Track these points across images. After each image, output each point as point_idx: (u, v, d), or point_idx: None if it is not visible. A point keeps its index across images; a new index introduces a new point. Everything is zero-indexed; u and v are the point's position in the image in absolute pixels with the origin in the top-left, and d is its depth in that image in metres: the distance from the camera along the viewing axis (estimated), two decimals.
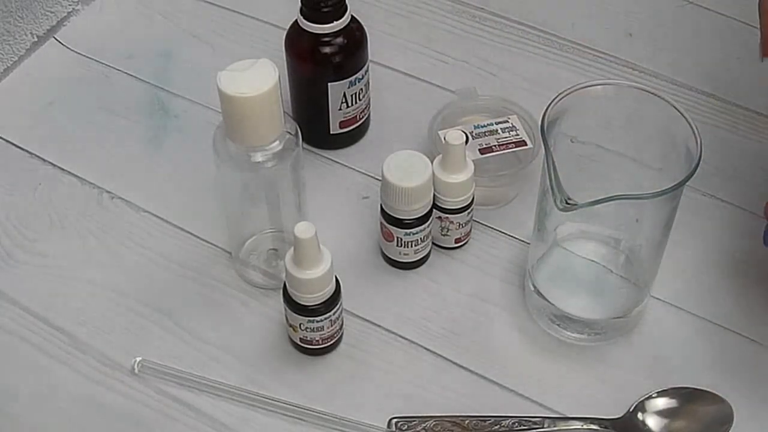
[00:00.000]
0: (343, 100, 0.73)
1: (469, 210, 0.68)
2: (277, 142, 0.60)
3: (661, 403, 0.62)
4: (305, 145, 0.72)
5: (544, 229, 0.63)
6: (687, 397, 0.62)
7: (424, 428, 0.61)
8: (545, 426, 0.61)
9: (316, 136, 0.76)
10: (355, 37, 0.72)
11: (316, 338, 0.63)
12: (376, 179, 0.72)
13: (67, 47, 0.86)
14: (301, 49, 0.72)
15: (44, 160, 0.77)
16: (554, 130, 0.59)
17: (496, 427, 0.60)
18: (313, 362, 0.65)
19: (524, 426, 0.61)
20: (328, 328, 0.63)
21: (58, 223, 0.73)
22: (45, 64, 0.85)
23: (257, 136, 0.59)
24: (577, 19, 0.88)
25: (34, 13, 0.83)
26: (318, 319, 0.62)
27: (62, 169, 0.76)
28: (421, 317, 0.67)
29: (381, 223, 0.68)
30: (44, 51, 0.85)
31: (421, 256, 0.69)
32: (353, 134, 0.77)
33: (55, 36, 0.86)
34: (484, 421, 0.61)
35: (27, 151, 0.77)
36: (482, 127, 0.73)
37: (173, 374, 0.64)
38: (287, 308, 0.62)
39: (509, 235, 0.72)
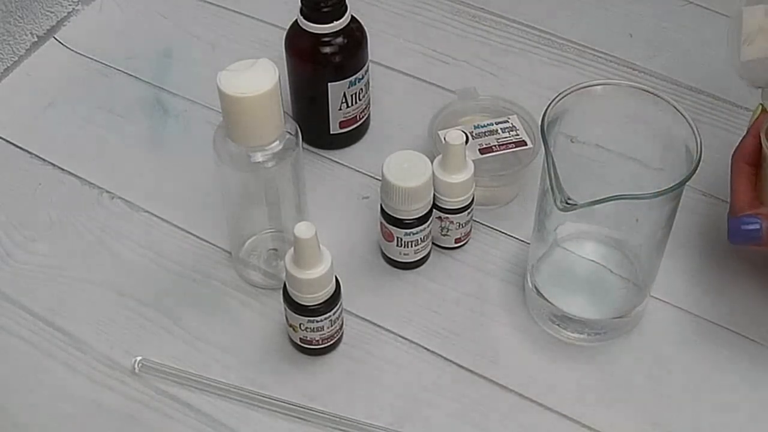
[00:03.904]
0: (343, 100, 0.73)
1: (469, 210, 0.68)
2: (277, 142, 0.60)
3: None
4: (305, 145, 0.72)
5: (544, 229, 0.63)
6: None
7: None
8: None
9: (316, 136, 0.76)
10: (355, 37, 0.72)
11: (316, 338, 0.63)
12: (376, 179, 0.72)
13: (67, 47, 0.86)
14: (301, 49, 0.72)
15: (44, 160, 0.77)
16: (554, 130, 0.59)
17: None
18: (313, 362, 0.65)
19: None
20: (328, 328, 0.63)
21: (58, 223, 0.73)
22: (45, 64, 0.85)
23: (257, 136, 0.59)
24: (577, 19, 0.88)
25: (34, 13, 0.83)
26: (318, 319, 0.62)
27: (62, 169, 0.76)
28: (421, 317, 0.67)
29: (381, 223, 0.68)
30: (44, 51, 0.85)
31: (421, 256, 0.69)
32: (353, 134, 0.77)
33: (55, 36, 0.86)
34: None
35: (27, 151, 0.77)
36: (482, 127, 0.73)
37: (173, 374, 0.64)
38: (287, 308, 0.62)
39: (509, 235, 0.72)
